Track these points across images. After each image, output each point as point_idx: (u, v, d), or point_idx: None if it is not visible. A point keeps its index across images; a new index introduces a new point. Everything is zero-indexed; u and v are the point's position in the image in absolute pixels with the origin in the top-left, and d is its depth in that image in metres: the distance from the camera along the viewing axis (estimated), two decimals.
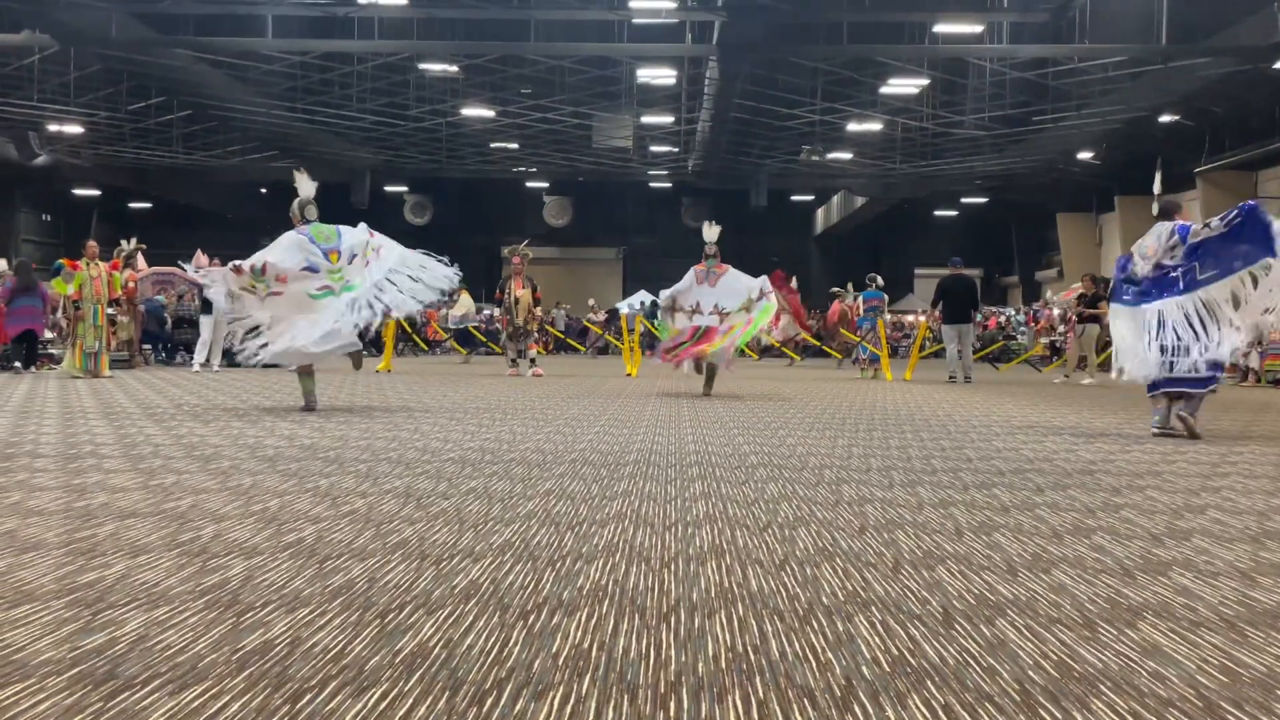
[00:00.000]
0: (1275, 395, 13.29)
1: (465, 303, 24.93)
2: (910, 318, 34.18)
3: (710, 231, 11.48)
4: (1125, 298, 7.66)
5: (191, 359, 17.19)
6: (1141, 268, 7.53)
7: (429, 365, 20.87)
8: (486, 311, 32.96)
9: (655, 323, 12.69)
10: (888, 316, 22.76)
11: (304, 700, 1.99)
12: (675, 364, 11.38)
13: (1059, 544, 3.52)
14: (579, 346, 31.91)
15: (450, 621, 2.51)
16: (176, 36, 24.16)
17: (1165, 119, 26.34)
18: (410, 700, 2.00)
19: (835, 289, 22.10)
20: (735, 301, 10.93)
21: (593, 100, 29.61)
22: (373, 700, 2.00)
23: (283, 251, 8.36)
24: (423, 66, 26.87)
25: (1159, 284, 7.40)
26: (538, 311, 16.61)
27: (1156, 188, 7.05)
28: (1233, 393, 13.86)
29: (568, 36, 25.30)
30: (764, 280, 11.20)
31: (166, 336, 20.19)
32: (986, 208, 42.05)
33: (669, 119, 31.31)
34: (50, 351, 17.34)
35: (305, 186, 8.76)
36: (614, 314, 32.62)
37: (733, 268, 11.33)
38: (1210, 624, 2.59)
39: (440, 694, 2.03)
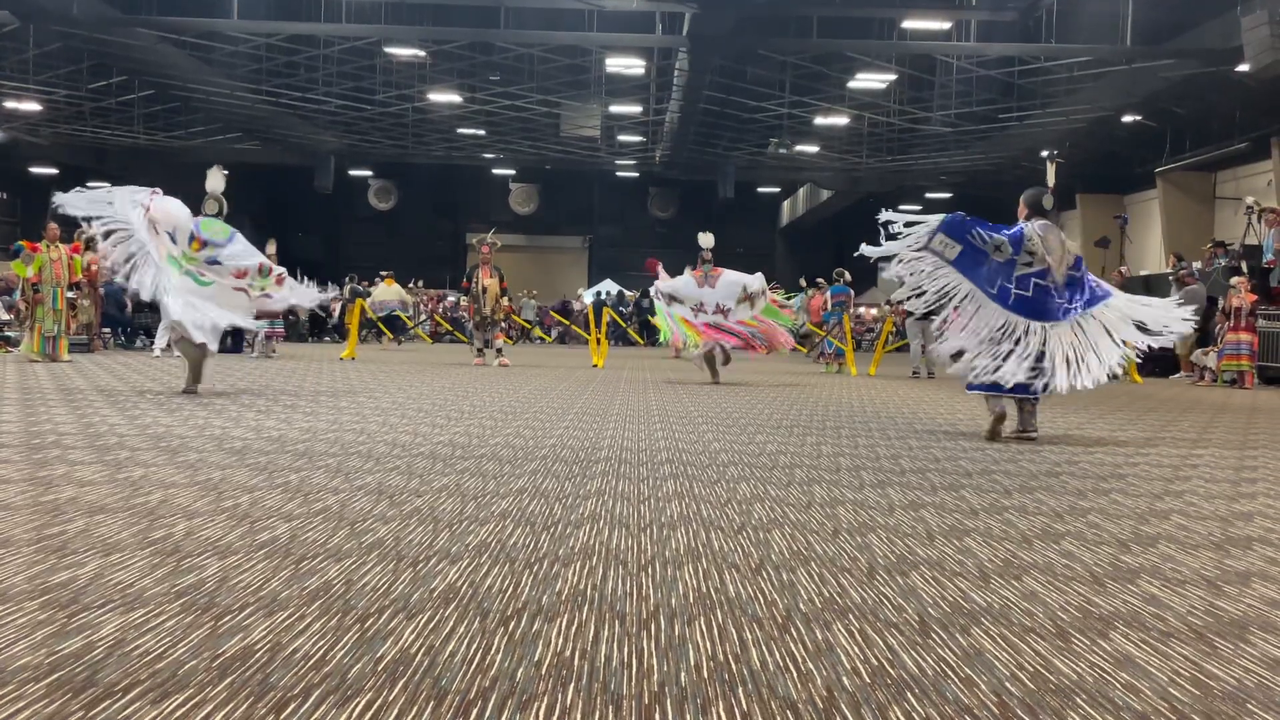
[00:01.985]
0: (1232, 395, 13.50)
1: (385, 290, 24.87)
2: (874, 311, 34.36)
3: (706, 239, 12.55)
4: (989, 289, 6.95)
5: (152, 343, 16.98)
6: (1040, 264, 6.93)
7: (390, 354, 20.75)
8: (452, 298, 32.83)
9: (653, 317, 13.72)
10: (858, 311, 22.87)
11: (288, 710, 1.98)
12: (702, 345, 12.43)
13: (1029, 549, 3.57)
14: (544, 336, 31.91)
15: (431, 627, 2.51)
16: (139, 16, 23.79)
17: (1128, 119, 26.63)
18: (395, 710, 2.00)
19: (819, 280, 22.07)
20: (733, 297, 12.10)
21: (561, 89, 29.52)
22: (357, 710, 2.00)
23: (173, 208, 8.69)
24: (390, 51, 26.65)
25: (1046, 299, 6.96)
26: (504, 301, 16.58)
27: (1051, 180, 6.65)
28: (1190, 393, 14.07)
29: (538, 24, 25.21)
30: (759, 278, 12.37)
31: (126, 321, 19.94)
32: (951, 203, 42.38)
33: (637, 109, 31.27)
34: (7, 335, 17.08)
35: (214, 181, 9.17)
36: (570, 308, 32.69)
37: (726, 269, 12.46)
38: (1180, 634, 2.63)
39: (425, 704, 2.04)
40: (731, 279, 12.21)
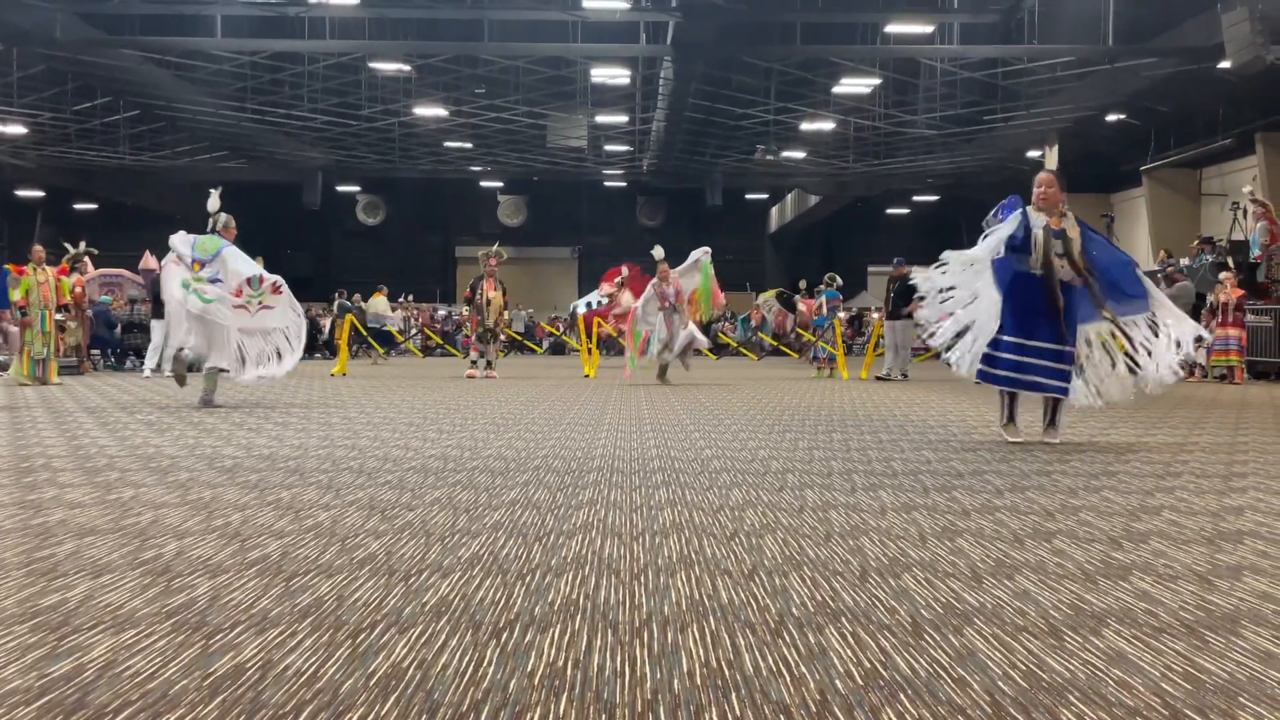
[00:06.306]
0: (1222, 391, 13.55)
1: (375, 302, 24.90)
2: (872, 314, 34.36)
3: (658, 251, 14.37)
4: None
5: (142, 364, 16.94)
6: None
7: (379, 370, 20.74)
8: (443, 311, 32.79)
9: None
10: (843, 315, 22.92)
11: None
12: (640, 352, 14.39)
13: (1021, 549, 3.57)
14: (535, 347, 31.91)
15: (423, 641, 2.50)
16: (123, 36, 23.80)
17: (1112, 118, 26.74)
18: None
19: (818, 288, 22.10)
20: (688, 286, 14.27)
21: (547, 100, 29.57)
22: None
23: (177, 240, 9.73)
24: (374, 66, 26.67)
25: None
26: (505, 314, 16.69)
27: (1049, 163, 6.60)
28: (1180, 389, 14.10)
29: (522, 36, 25.25)
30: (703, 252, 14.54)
31: (115, 342, 19.89)
32: (938, 206, 42.47)
33: (623, 119, 31.33)
34: None
35: (213, 203, 9.84)
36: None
37: (670, 271, 14.32)
38: (1172, 630, 2.64)
39: (418, 718, 2.03)
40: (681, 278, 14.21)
